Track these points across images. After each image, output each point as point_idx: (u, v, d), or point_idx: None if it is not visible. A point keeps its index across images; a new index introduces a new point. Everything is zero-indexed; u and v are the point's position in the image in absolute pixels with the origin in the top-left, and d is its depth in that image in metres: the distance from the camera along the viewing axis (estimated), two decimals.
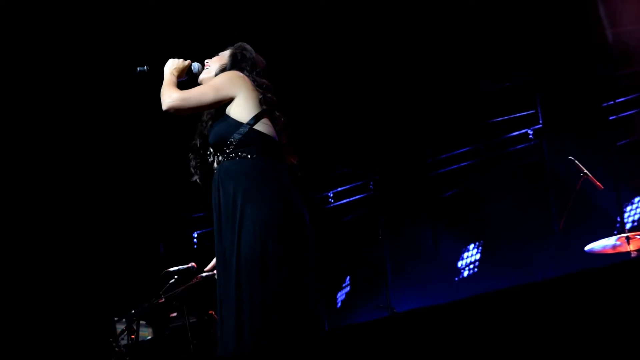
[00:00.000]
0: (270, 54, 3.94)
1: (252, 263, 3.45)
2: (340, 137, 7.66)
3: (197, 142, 3.87)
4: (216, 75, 3.80)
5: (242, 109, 3.67)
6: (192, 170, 3.88)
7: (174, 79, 3.75)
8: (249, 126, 3.64)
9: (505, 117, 7.41)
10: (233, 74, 3.74)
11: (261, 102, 3.70)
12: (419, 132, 7.69)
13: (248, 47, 3.89)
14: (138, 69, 3.80)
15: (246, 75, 3.75)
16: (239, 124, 3.65)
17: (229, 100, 3.67)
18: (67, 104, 6.99)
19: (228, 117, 3.67)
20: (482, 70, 7.22)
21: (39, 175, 7.24)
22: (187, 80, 3.83)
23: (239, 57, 3.84)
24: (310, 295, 3.50)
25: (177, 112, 3.68)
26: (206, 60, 3.90)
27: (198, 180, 3.88)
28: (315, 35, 6.98)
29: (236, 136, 3.63)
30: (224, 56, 3.88)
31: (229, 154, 3.64)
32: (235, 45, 3.92)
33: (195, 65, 3.85)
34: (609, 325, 2.19)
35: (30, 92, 6.83)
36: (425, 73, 7.30)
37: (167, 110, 3.65)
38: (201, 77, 3.85)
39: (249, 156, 3.61)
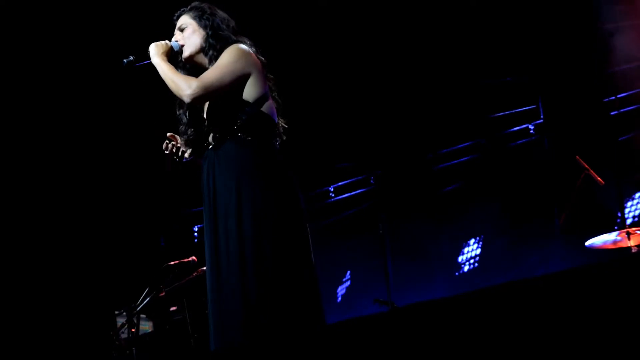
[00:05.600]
0: (271, 50, 3.87)
1: (256, 256, 3.33)
2: (342, 132, 7.66)
3: (185, 115, 3.63)
4: (206, 48, 3.55)
5: (251, 88, 3.48)
6: (184, 143, 3.64)
7: (170, 65, 3.51)
8: (256, 107, 3.47)
9: (506, 112, 7.41)
10: (243, 50, 3.51)
11: (267, 80, 3.55)
12: (420, 127, 7.69)
13: (205, 6, 3.63)
14: (124, 60, 3.58)
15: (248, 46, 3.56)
16: (246, 103, 3.46)
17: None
18: (66, 100, 6.98)
19: (235, 94, 3.47)
20: (483, 65, 7.21)
21: (40, 171, 7.23)
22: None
23: (217, 25, 3.58)
24: (311, 288, 3.45)
25: (200, 102, 3.50)
26: (174, 39, 3.62)
27: (187, 155, 3.66)
28: (316, 30, 6.97)
29: (242, 116, 3.45)
30: (193, 25, 3.59)
31: (232, 134, 3.45)
32: (195, 6, 3.64)
33: (175, 44, 3.61)
34: (609, 321, 2.19)
35: (27, 88, 6.82)
36: (427, 68, 7.29)
37: (191, 102, 3.43)
38: (186, 54, 3.58)
39: (251, 139, 3.44)
